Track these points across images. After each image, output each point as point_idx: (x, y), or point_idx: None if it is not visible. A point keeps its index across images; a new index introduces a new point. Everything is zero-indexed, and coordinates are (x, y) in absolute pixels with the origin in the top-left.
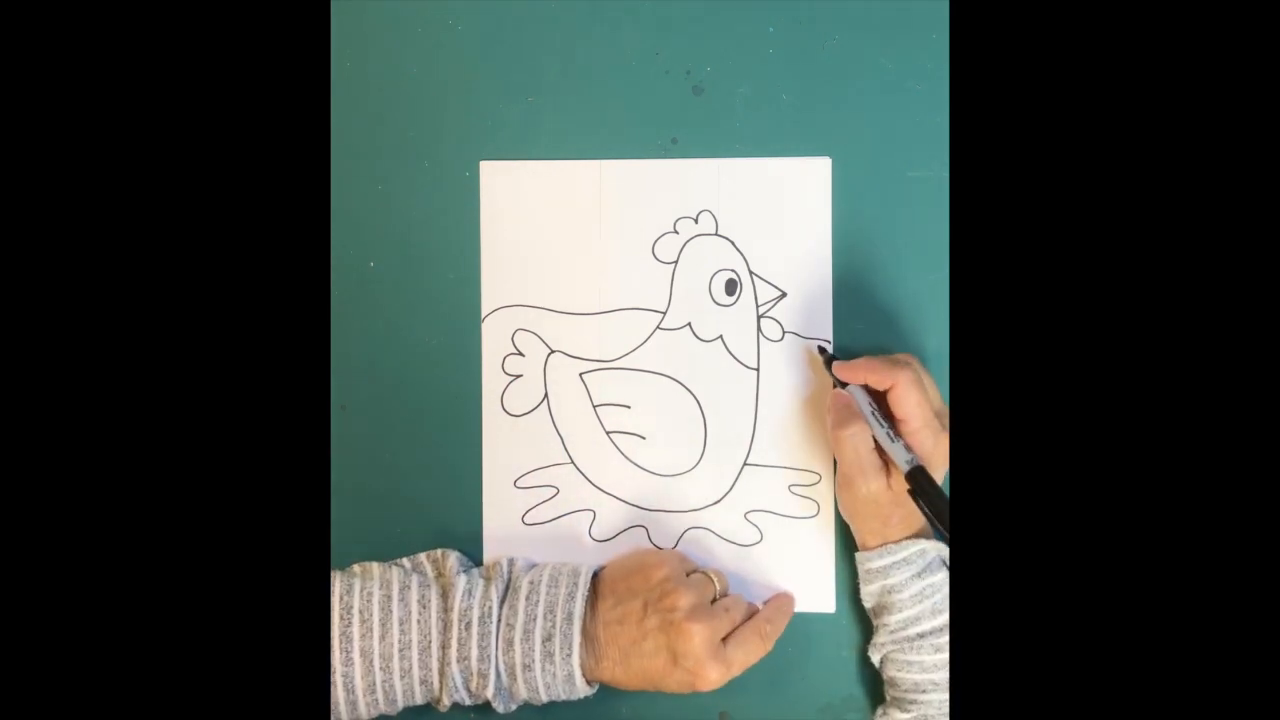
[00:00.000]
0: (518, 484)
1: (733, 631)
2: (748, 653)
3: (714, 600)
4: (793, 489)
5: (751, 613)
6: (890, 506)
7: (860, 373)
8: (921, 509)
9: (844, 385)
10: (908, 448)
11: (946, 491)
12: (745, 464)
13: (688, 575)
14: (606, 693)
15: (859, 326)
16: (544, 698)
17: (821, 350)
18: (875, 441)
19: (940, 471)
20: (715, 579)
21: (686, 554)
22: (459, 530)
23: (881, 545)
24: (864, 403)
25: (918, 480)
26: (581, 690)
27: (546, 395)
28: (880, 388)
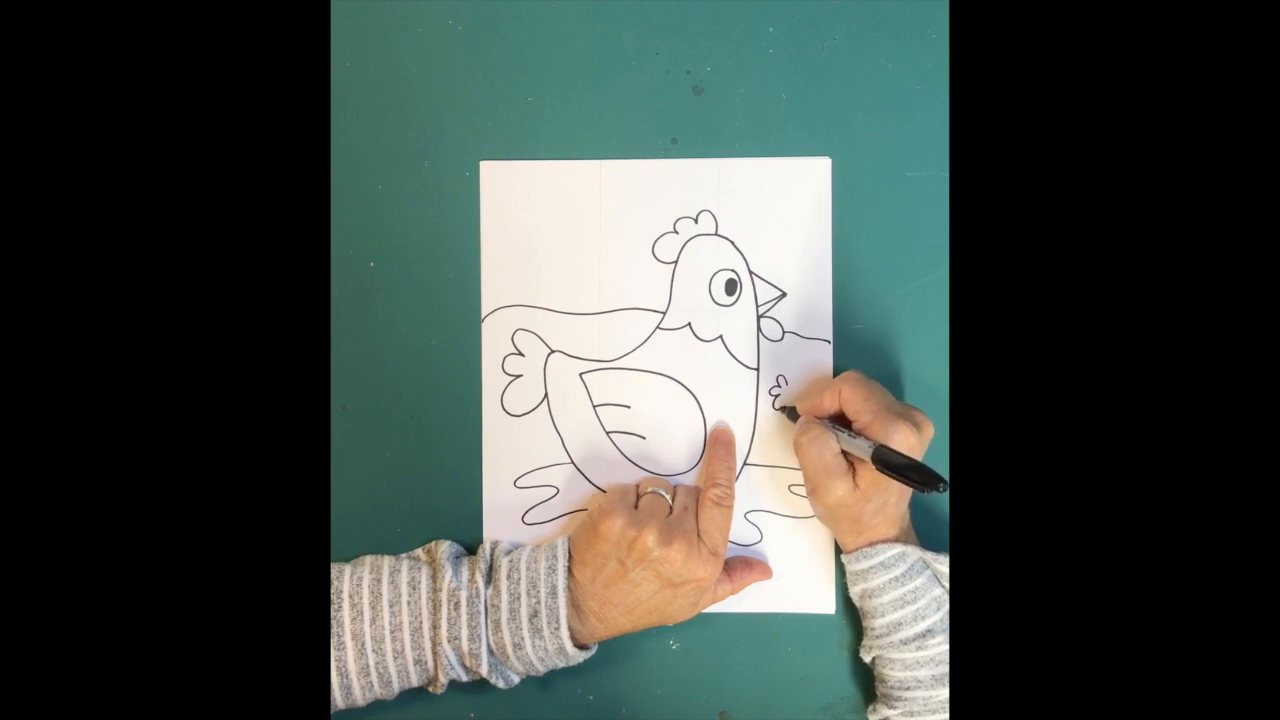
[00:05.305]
0: (518, 484)
1: (696, 523)
2: (719, 530)
3: (670, 510)
4: (793, 489)
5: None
6: (860, 506)
7: (813, 397)
8: (898, 479)
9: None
10: (867, 439)
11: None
12: (745, 464)
13: (637, 505)
14: (606, 694)
15: (859, 326)
16: (541, 669)
17: (784, 408)
18: (842, 451)
19: None
20: (662, 491)
21: (620, 480)
22: (459, 530)
23: (858, 549)
24: (825, 420)
25: (882, 457)
26: (575, 658)
27: (546, 395)
28: (835, 402)
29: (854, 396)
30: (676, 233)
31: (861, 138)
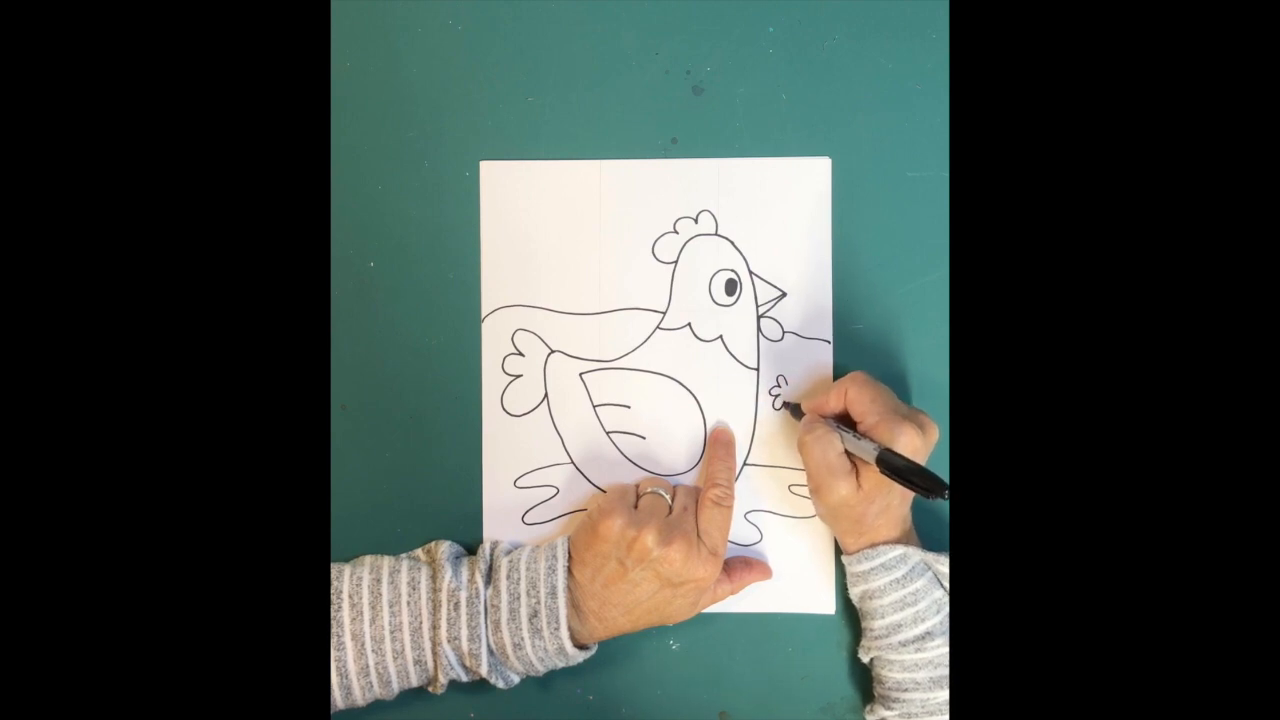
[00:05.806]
0: (518, 484)
1: (696, 523)
2: (719, 530)
3: (670, 510)
4: (793, 489)
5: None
6: (863, 507)
7: (819, 396)
8: (902, 483)
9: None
10: (873, 440)
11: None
12: (745, 464)
13: (637, 505)
14: (606, 694)
15: (859, 326)
16: (541, 669)
17: (788, 404)
18: (846, 451)
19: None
20: (661, 491)
21: (620, 479)
22: (459, 530)
23: (860, 550)
24: (829, 419)
25: (886, 460)
26: (575, 658)
27: (546, 395)
28: (840, 402)
29: (860, 397)
30: (676, 233)
31: (861, 138)
